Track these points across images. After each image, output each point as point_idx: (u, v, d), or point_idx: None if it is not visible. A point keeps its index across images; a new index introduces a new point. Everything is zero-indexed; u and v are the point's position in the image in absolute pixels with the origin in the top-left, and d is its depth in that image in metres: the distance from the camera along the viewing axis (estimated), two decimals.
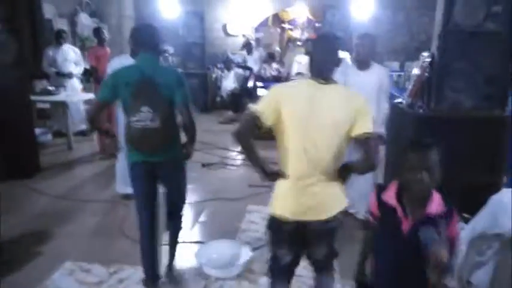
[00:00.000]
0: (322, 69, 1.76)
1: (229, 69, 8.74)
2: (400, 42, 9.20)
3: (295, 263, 1.93)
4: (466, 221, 2.04)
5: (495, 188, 2.41)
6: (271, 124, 1.74)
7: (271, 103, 1.74)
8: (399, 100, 3.61)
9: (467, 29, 2.69)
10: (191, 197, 3.86)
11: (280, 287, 1.97)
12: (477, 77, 2.92)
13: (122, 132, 3.51)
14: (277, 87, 1.84)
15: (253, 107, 1.75)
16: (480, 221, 1.93)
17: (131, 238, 3.11)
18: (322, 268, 1.97)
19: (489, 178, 2.88)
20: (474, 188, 2.64)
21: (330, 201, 1.79)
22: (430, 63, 2.94)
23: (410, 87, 3.26)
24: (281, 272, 1.95)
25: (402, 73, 8.69)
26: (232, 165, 5.09)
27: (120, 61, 3.57)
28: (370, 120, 1.74)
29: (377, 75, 3.15)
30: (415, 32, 8.76)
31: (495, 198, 1.92)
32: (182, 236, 3.20)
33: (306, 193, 1.75)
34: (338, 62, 1.80)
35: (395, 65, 9.05)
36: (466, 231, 1.91)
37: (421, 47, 7.81)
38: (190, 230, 3.37)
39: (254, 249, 2.92)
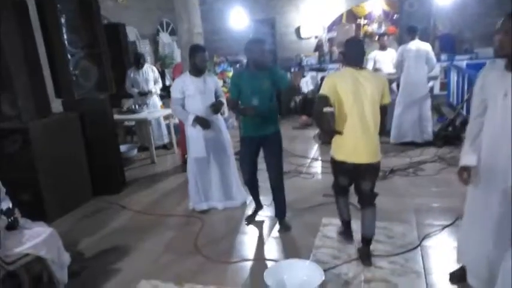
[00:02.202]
0: (358, 61, 2.70)
1: (303, 74, 8.53)
2: (491, 25, 8.06)
3: (349, 185, 2.88)
4: None
5: None
6: (333, 100, 2.62)
7: (330, 87, 2.64)
8: None
9: None
10: (264, 209, 3.76)
11: (341, 198, 3.00)
12: None
13: (190, 144, 3.59)
14: (330, 77, 2.78)
15: (320, 92, 2.67)
16: None
17: (205, 255, 3.11)
18: (366, 201, 2.78)
19: None
20: None
21: (373, 150, 2.68)
22: None
23: None
24: (341, 190, 2.96)
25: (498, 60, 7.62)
26: (307, 173, 4.88)
27: (182, 79, 3.68)
28: (389, 93, 2.74)
29: None
30: (508, 10, 7.62)
31: None
32: (254, 252, 3.14)
33: (357, 145, 2.64)
34: (364, 54, 2.85)
35: (489, 51, 7.97)
36: None
37: None
38: (263, 245, 3.25)
39: (328, 269, 2.69)
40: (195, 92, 3.63)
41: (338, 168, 2.82)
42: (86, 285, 2.85)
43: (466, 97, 5.79)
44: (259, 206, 3.68)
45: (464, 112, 5.90)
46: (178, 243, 3.40)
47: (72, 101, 4.34)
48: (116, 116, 5.52)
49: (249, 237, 3.41)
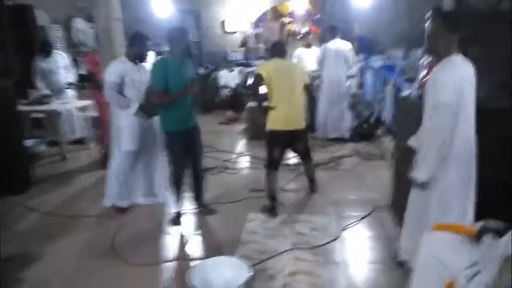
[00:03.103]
0: (283, 54, 3.58)
1: (230, 69, 8.48)
2: (402, 29, 8.81)
3: (282, 157, 3.61)
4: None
5: None
6: (267, 81, 3.41)
7: (266, 71, 3.43)
8: (407, 92, 3.31)
9: (481, 11, 2.39)
10: (189, 205, 3.64)
11: (274, 172, 3.54)
12: (492, 63, 2.58)
13: (121, 137, 3.32)
14: (264, 65, 3.75)
15: (258, 71, 3.53)
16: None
17: (123, 258, 2.89)
18: (304, 157, 3.81)
19: (507, 176, 2.54)
20: (490, 187, 2.33)
21: (300, 119, 3.53)
22: None
23: (419, 77, 2.96)
24: (274, 163, 3.54)
25: (406, 62, 8.29)
26: (233, 168, 4.84)
27: (120, 64, 3.46)
28: (307, 75, 3.70)
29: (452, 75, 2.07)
30: (416, 18, 8.35)
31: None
32: (177, 252, 3.01)
33: (288, 115, 3.44)
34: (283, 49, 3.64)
35: (399, 53, 8.67)
36: (497, 248, 1.59)
37: (423, 34, 7.48)
38: (186, 244, 3.13)
39: (254, 265, 2.67)
40: (134, 80, 3.42)
41: (274, 139, 3.50)
42: None
43: (380, 95, 6.20)
44: (182, 204, 3.54)
45: (378, 109, 6.30)
46: (94, 246, 3.13)
47: None
48: (22, 107, 4.95)
49: (171, 237, 3.25)
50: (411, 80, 4.59)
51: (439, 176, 2.21)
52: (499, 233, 1.68)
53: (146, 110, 3.44)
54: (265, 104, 3.51)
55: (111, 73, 3.40)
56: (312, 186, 3.96)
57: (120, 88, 3.40)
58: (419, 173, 2.21)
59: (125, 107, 3.43)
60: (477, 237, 1.79)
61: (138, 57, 3.48)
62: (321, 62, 5.75)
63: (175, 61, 3.14)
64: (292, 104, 3.42)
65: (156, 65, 3.17)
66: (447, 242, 1.89)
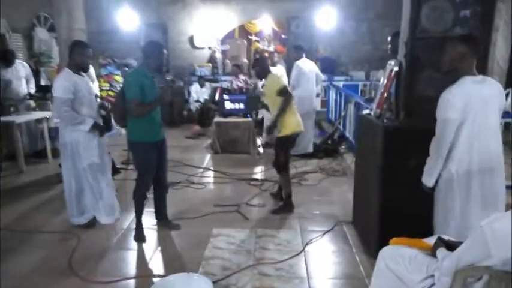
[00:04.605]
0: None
1: (202, 84, 8.48)
2: (364, 52, 9.26)
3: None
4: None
5: None
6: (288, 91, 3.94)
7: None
8: (367, 111, 3.46)
9: (436, 35, 2.56)
10: (151, 221, 3.56)
11: (289, 171, 3.97)
12: (448, 84, 2.77)
13: (80, 151, 3.36)
14: (278, 77, 4.18)
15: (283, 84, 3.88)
16: (468, 252, 1.68)
17: (81, 276, 2.78)
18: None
19: None
20: None
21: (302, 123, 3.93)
22: (398, 72, 2.80)
23: (377, 97, 3.10)
24: (288, 164, 3.92)
25: (368, 82, 8.70)
26: (199, 183, 4.81)
27: (69, 78, 3.32)
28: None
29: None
30: (378, 41, 8.84)
31: (486, 227, 1.62)
32: (138, 269, 2.94)
33: (298, 119, 3.86)
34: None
35: (361, 74, 9.08)
36: (450, 261, 1.68)
37: (384, 56, 7.86)
38: (149, 260, 3.06)
39: (217, 281, 2.65)
40: (84, 94, 3.33)
41: (291, 141, 3.86)
42: None
43: (343, 113, 6.41)
44: (143, 219, 3.43)
45: (341, 127, 6.51)
46: (50, 263, 2.99)
47: None
48: None
49: (132, 253, 3.17)
50: (371, 100, 4.81)
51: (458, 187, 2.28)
52: (452, 247, 1.77)
53: (99, 127, 3.43)
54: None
55: (61, 89, 3.23)
56: (281, 194, 4.13)
57: (72, 104, 3.27)
58: (426, 179, 2.38)
59: (79, 124, 3.31)
60: (433, 251, 1.88)
61: (81, 68, 3.37)
62: (296, 80, 5.78)
63: (149, 74, 3.15)
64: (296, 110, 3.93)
65: (132, 76, 3.17)
66: (404, 256, 1.97)
